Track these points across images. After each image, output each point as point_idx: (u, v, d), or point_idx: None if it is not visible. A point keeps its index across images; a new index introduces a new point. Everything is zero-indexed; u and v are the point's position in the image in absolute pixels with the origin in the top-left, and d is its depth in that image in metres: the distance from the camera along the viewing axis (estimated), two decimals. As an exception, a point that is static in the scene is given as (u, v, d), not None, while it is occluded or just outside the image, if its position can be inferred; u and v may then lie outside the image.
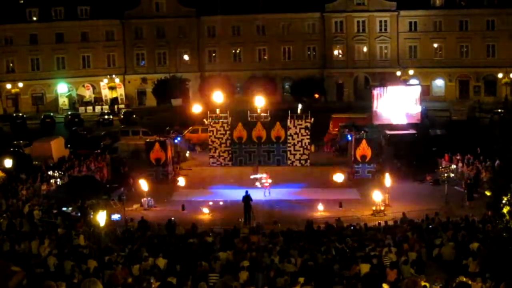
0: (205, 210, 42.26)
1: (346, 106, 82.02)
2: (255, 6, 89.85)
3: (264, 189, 46.57)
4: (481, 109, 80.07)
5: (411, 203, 42.49)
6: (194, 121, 64.80)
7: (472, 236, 30.03)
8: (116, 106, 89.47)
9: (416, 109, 56.64)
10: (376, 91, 57.42)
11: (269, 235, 33.52)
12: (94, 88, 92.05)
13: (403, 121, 55.95)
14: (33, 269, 26.27)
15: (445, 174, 43.43)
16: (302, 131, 54.72)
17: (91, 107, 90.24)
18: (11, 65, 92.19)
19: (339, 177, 49.36)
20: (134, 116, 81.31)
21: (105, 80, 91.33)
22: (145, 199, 44.18)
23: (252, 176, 48.36)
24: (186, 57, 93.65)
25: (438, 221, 35.67)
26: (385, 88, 58.47)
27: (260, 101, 57.77)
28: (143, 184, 44.86)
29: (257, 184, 47.42)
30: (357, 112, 68.22)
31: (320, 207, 42.12)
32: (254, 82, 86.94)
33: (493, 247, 25.28)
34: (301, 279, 24.05)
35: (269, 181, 47.03)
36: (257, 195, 43.34)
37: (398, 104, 56.20)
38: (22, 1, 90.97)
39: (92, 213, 37.95)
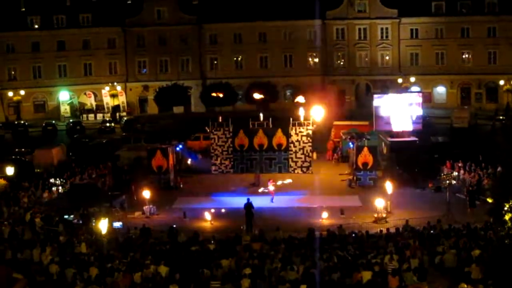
0: (207, 216, 42.22)
1: (347, 114, 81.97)
2: (257, 13, 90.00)
3: (270, 196, 46.79)
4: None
5: (413, 210, 42.42)
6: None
7: (474, 243, 30.02)
8: (117, 114, 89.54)
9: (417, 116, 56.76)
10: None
11: (271, 243, 33.49)
12: (95, 95, 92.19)
13: (406, 128, 56.02)
14: (35, 276, 26.29)
15: (447, 181, 43.35)
16: (304, 138, 54.73)
17: (92, 115, 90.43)
18: (13, 73, 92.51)
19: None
20: (139, 125, 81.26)
21: (107, 88, 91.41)
22: (147, 206, 44.12)
23: (260, 190, 48.45)
24: (187, 65, 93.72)
25: (440, 228, 35.66)
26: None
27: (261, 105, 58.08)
28: (145, 192, 44.86)
29: (264, 189, 47.74)
30: (358, 119, 68.13)
31: (325, 214, 42.08)
32: (256, 90, 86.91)
33: (495, 254, 25.26)
34: (303, 287, 24.05)
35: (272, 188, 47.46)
36: (259, 202, 43.33)
37: (401, 111, 56.33)
38: (23, 9, 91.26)
39: (94, 220, 37.99)
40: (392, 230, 36.31)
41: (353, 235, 35.48)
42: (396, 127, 55.66)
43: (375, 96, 59.40)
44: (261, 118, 56.45)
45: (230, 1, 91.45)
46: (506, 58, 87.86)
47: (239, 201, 43.15)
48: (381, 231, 36.35)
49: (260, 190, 47.88)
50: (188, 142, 63.31)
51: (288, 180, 48.96)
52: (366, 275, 25.35)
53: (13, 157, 57.32)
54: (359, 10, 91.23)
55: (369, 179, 50.88)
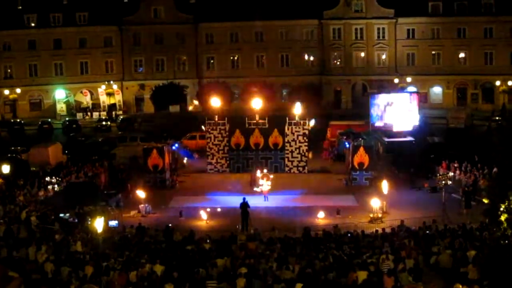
0: (203, 215, 42.22)
1: (344, 113, 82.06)
2: (253, 13, 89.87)
3: (263, 195, 46.80)
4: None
5: (408, 211, 42.43)
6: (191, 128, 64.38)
7: (469, 244, 30.03)
8: (114, 113, 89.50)
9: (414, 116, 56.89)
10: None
11: (267, 242, 33.48)
12: (92, 94, 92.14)
13: (402, 128, 56.13)
14: (30, 275, 26.24)
15: (443, 182, 43.34)
16: (300, 137, 54.74)
17: (89, 113, 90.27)
18: (9, 71, 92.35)
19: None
20: (136, 124, 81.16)
21: (103, 86, 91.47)
22: (142, 205, 44.14)
23: (255, 188, 48.53)
24: (184, 64, 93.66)
25: (435, 228, 35.67)
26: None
27: (257, 104, 57.46)
28: (141, 191, 44.86)
29: (258, 188, 47.74)
30: (354, 119, 68.20)
31: (321, 214, 42.12)
32: (252, 89, 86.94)
33: (491, 255, 25.26)
34: (299, 285, 24.03)
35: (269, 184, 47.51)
36: (255, 201, 43.32)
37: (396, 111, 56.46)
38: (20, 7, 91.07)
39: (89, 219, 37.90)
40: (388, 230, 36.34)
41: (349, 235, 35.51)
42: (392, 127, 55.83)
43: (372, 96, 59.59)
44: (257, 118, 56.46)
45: (227, 0, 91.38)
46: (502, 59, 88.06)
47: (235, 200, 43.16)
48: (376, 231, 36.35)
49: (257, 189, 47.90)
50: (184, 141, 63.24)
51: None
52: (362, 275, 25.34)
53: (9, 155, 57.26)
54: (355, 10, 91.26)
55: (365, 179, 50.94)
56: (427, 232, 34.94)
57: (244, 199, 41.17)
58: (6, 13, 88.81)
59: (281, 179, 51.77)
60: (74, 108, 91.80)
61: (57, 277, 26.15)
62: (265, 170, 50.02)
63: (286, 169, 55.10)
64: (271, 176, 48.93)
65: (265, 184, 47.40)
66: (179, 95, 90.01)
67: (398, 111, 56.95)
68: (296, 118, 55.25)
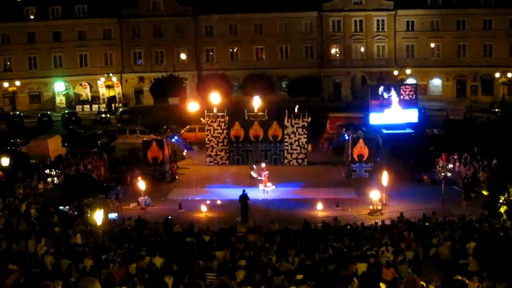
0: (203, 207, 42.25)
1: (343, 105, 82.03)
2: (253, 5, 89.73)
3: (263, 188, 46.81)
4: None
5: (408, 203, 42.52)
6: (191, 121, 64.34)
7: (469, 236, 30.06)
8: (113, 105, 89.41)
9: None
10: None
11: (266, 234, 33.51)
12: (91, 86, 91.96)
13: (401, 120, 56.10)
14: (30, 268, 26.25)
15: (442, 174, 43.43)
16: (299, 130, 54.70)
17: (88, 106, 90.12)
18: (8, 63, 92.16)
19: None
20: (138, 116, 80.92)
21: (102, 79, 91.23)
22: (142, 198, 44.15)
23: (254, 174, 48.58)
24: (183, 56, 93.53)
25: (435, 220, 35.72)
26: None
27: (257, 101, 57.32)
28: (140, 183, 44.86)
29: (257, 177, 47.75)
30: (354, 111, 68.15)
31: (320, 206, 42.13)
32: (251, 81, 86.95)
33: (490, 247, 25.29)
34: (299, 276, 24.03)
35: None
36: (254, 194, 43.34)
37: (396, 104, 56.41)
38: (19, 0, 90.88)
39: (89, 211, 37.97)
40: (387, 222, 36.38)
41: (348, 227, 35.57)
42: (391, 119, 55.81)
43: (371, 88, 59.51)
44: (256, 110, 56.41)
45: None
46: (501, 51, 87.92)
47: (234, 193, 43.19)
48: (376, 223, 36.45)
49: (260, 187, 47.75)
50: (183, 133, 63.18)
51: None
52: (361, 267, 25.35)
53: (8, 148, 57.20)
54: (355, 2, 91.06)
55: (364, 171, 50.93)
56: (427, 224, 35.02)
57: (243, 191, 41.21)
58: (6, 5, 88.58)
59: (281, 171, 51.76)
60: (73, 100, 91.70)
61: (56, 270, 26.16)
62: (263, 164, 49.86)
63: (286, 161, 55.09)
64: (267, 171, 48.64)
65: (263, 177, 47.45)
66: (178, 87, 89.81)
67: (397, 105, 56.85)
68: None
